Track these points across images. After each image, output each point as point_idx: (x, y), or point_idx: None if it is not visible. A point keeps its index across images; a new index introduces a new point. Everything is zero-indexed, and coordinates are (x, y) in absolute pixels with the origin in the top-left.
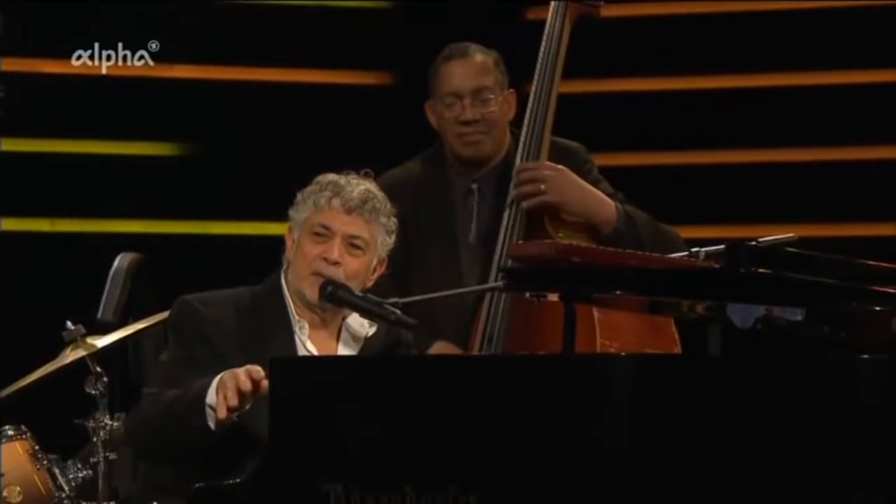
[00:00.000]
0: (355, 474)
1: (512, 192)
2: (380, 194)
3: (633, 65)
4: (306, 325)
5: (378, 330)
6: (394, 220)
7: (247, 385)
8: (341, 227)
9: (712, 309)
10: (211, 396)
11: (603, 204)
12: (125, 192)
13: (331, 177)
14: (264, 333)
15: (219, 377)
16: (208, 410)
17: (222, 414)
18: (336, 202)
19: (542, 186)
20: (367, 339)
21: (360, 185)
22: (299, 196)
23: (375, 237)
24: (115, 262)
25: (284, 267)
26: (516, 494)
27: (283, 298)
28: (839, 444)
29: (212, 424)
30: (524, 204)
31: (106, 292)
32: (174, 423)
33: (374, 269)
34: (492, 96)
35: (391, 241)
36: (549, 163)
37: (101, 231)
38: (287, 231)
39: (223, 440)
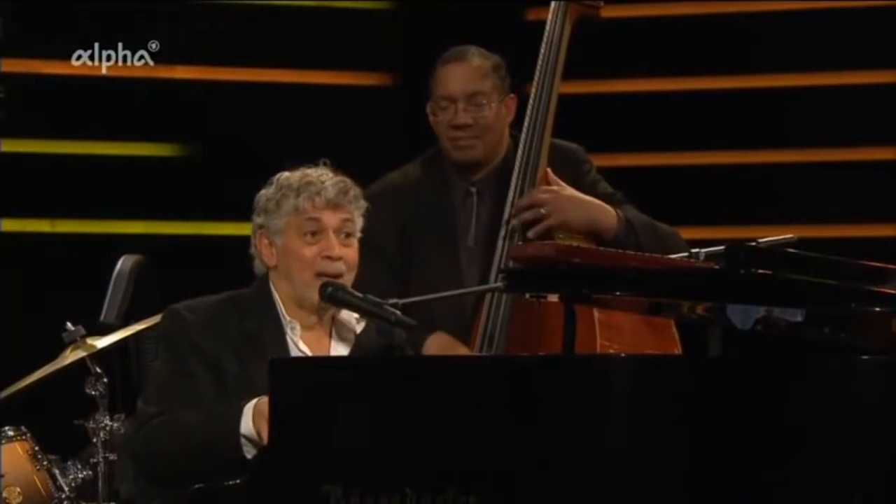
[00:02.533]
0: (355, 475)
1: (513, 223)
2: (347, 178)
3: (633, 66)
4: (297, 326)
5: (367, 327)
6: (363, 201)
7: None
8: (331, 221)
9: (712, 310)
10: (246, 427)
11: (604, 211)
12: (125, 193)
13: (294, 178)
14: (256, 335)
15: (251, 406)
16: (243, 440)
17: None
18: (318, 200)
19: (543, 210)
20: (358, 336)
21: (330, 177)
22: (264, 203)
23: (357, 221)
24: (118, 265)
25: (267, 272)
26: (516, 496)
27: (272, 300)
28: (839, 445)
29: (248, 455)
30: (530, 234)
31: (109, 295)
32: (199, 454)
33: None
34: (486, 101)
35: (362, 222)
36: (541, 187)
37: (102, 232)
38: (258, 239)
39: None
